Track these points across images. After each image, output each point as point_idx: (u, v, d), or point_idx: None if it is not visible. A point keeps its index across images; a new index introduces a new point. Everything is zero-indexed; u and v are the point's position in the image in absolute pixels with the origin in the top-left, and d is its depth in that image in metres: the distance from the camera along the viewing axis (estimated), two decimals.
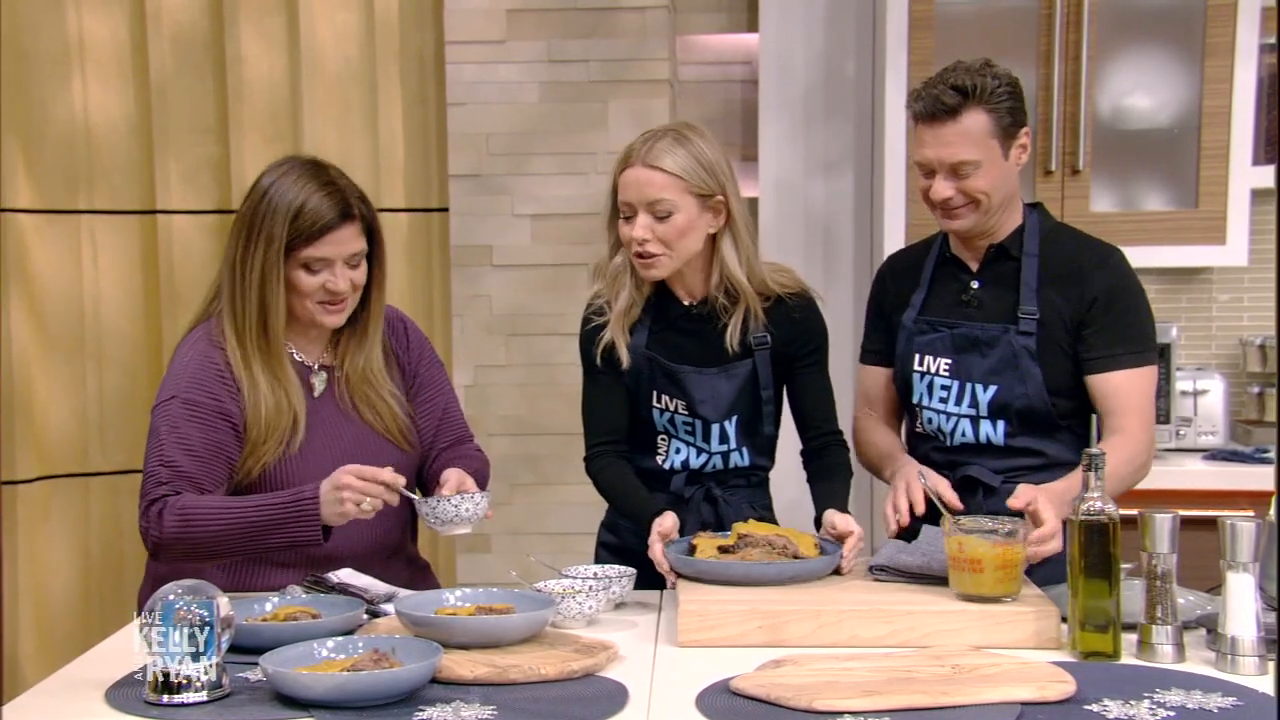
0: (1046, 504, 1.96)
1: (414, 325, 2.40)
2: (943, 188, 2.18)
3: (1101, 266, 2.22)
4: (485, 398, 3.51)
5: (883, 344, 2.41)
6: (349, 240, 2.13)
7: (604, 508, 2.44)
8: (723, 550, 2.03)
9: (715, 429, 2.28)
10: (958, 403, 2.25)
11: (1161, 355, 3.24)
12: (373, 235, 2.20)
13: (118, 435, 3.45)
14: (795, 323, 2.28)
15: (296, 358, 2.21)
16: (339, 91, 3.46)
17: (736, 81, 3.79)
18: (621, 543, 2.36)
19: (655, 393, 2.28)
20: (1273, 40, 3.28)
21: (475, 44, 3.49)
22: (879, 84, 3.45)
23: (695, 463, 2.30)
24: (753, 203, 3.71)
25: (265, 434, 2.11)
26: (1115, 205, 3.36)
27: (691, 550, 2.05)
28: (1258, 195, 3.32)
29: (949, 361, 2.26)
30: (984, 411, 2.23)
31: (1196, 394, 3.35)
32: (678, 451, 2.30)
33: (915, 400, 2.31)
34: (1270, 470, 3.08)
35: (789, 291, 2.28)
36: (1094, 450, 1.75)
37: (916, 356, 2.30)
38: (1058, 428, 2.23)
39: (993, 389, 2.22)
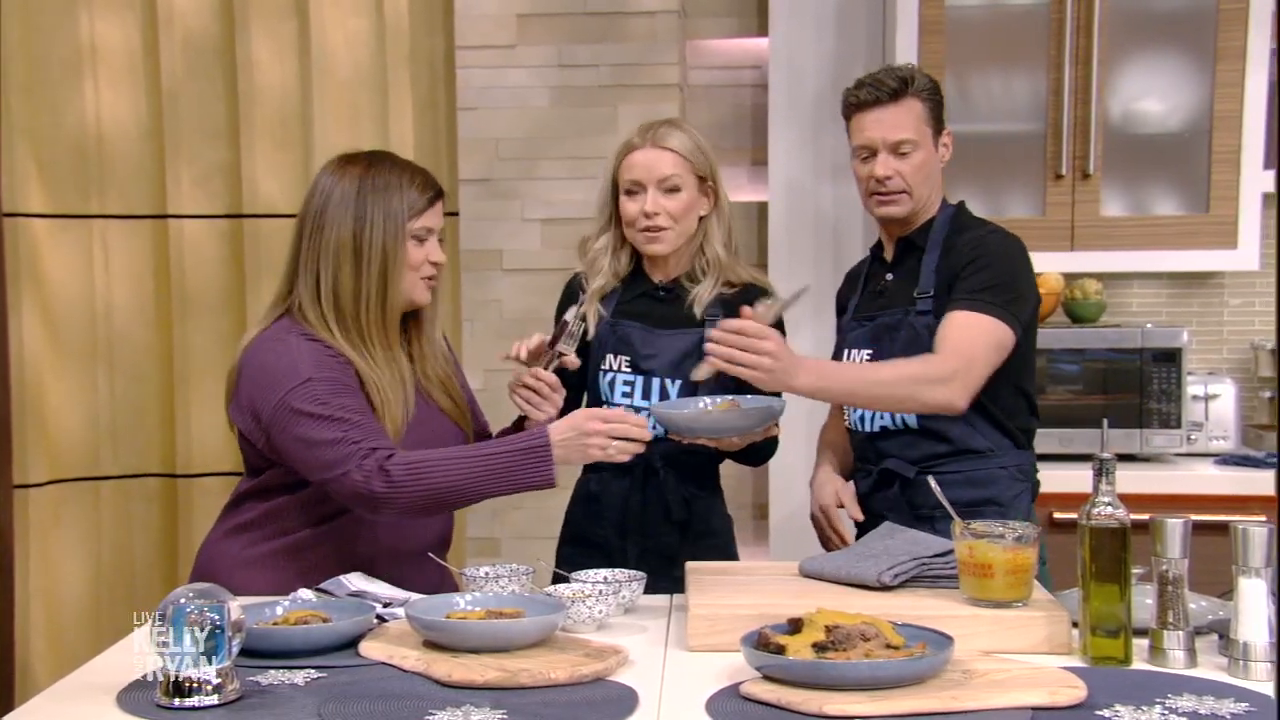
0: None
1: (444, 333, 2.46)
2: (884, 166, 2.33)
3: (978, 239, 2.33)
4: (496, 401, 3.49)
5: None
6: (440, 214, 2.26)
7: None
8: (817, 648, 1.64)
9: (655, 383, 2.38)
10: None
11: (1172, 359, 3.24)
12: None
13: (129, 439, 3.46)
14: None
15: None
16: (349, 96, 3.47)
17: (746, 86, 3.79)
18: (580, 531, 2.51)
19: (604, 354, 2.44)
20: None
21: (485, 49, 3.50)
22: None
23: None
24: (762, 207, 3.71)
25: (384, 410, 2.15)
26: (1126, 210, 3.35)
27: (777, 648, 1.66)
28: (1269, 200, 3.31)
29: (869, 352, 2.38)
30: None
31: (1208, 399, 3.34)
32: None
33: None
34: None
35: (758, 286, 2.45)
36: (1104, 455, 1.75)
37: (845, 352, 2.43)
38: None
39: None
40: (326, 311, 2.17)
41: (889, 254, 2.46)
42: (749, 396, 2.26)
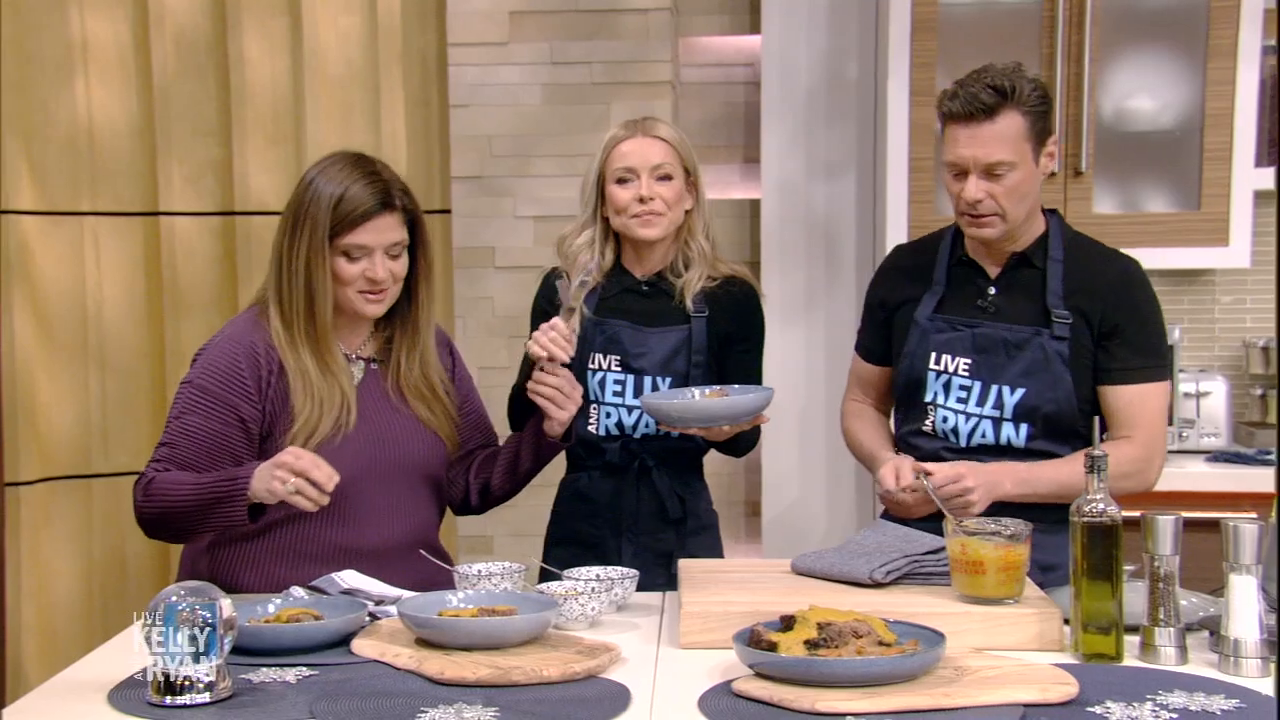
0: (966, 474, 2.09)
1: (453, 343, 2.46)
2: (975, 189, 2.17)
3: (1127, 279, 2.24)
4: (488, 399, 3.46)
5: (878, 342, 2.43)
6: (389, 229, 2.16)
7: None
8: (809, 645, 1.64)
9: (647, 381, 2.39)
10: (979, 404, 2.24)
11: None
12: (415, 228, 2.23)
13: (120, 437, 3.45)
14: (738, 304, 2.44)
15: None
16: (341, 94, 3.46)
17: (739, 84, 3.79)
18: (572, 531, 2.49)
19: (591, 354, 2.42)
20: (1274, 42, 3.28)
21: (477, 46, 3.50)
22: (881, 86, 3.45)
23: (628, 421, 2.41)
24: (754, 205, 3.71)
25: (318, 417, 2.13)
26: (1118, 207, 3.36)
27: (769, 645, 1.65)
28: (1260, 197, 3.32)
29: (969, 361, 2.26)
30: (1008, 414, 2.23)
31: (1199, 396, 3.35)
32: (608, 415, 2.42)
33: (929, 399, 2.30)
34: (1273, 472, 3.07)
35: (739, 278, 2.47)
36: (1096, 452, 1.75)
37: (933, 355, 2.29)
38: (1079, 436, 2.23)
39: (1021, 391, 2.22)
40: (275, 311, 2.18)
41: (990, 267, 2.29)
42: (736, 386, 2.30)
